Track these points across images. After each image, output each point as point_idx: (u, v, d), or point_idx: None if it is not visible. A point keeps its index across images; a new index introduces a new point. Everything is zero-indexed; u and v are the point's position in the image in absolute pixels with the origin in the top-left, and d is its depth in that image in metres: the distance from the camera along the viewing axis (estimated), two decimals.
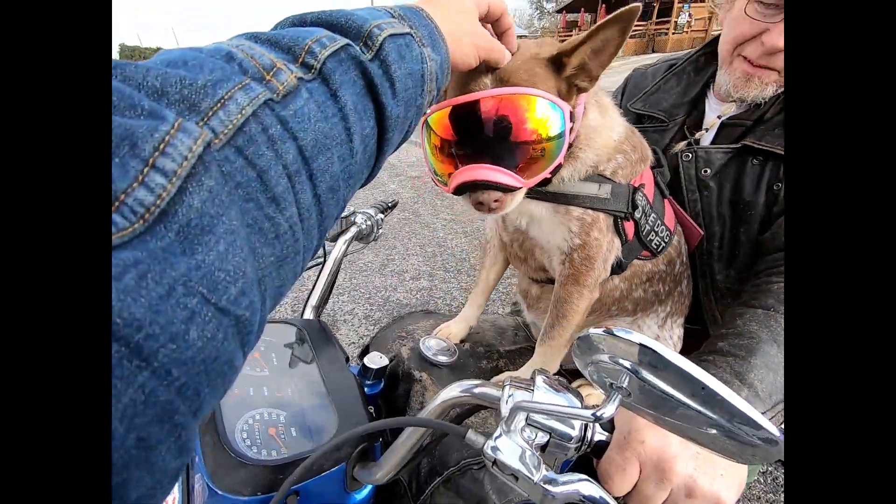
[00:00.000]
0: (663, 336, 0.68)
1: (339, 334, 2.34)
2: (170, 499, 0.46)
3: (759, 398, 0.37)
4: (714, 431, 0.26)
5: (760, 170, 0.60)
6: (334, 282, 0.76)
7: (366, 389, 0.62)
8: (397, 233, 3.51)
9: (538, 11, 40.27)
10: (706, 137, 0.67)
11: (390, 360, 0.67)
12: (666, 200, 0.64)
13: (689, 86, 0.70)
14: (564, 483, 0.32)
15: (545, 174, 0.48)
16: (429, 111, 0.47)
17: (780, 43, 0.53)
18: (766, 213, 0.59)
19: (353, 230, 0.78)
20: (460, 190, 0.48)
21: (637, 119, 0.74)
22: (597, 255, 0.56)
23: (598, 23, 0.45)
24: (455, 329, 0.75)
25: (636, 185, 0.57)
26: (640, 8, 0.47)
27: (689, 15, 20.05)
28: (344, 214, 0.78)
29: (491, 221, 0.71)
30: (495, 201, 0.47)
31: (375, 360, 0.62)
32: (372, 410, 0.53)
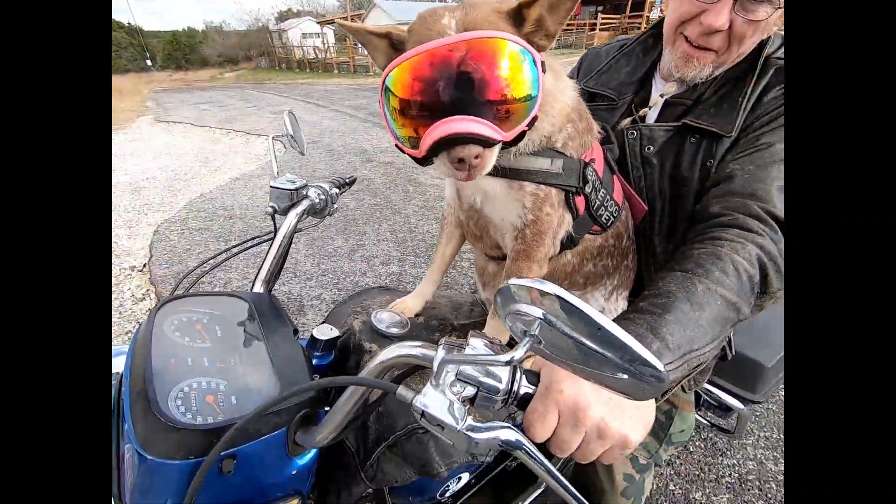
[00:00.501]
0: (609, 308, 0.71)
1: (306, 319, 2.30)
2: None
3: (668, 349, 0.40)
4: (619, 375, 0.28)
5: (696, 147, 0.63)
6: (286, 255, 0.75)
7: (315, 361, 0.62)
8: (368, 218, 3.46)
9: None
10: (650, 115, 0.69)
11: (343, 334, 0.67)
12: (615, 176, 0.67)
13: (637, 66, 0.73)
14: (486, 430, 0.34)
15: (523, 126, 0.44)
16: (387, 69, 0.43)
17: (717, 23, 0.55)
18: (699, 188, 0.62)
19: (306, 203, 0.76)
20: (436, 148, 0.42)
21: (590, 97, 0.75)
22: (547, 231, 0.57)
23: None
24: (410, 303, 0.75)
25: (587, 159, 0.58)
26: None
27: (661, 10, 20.52)
28: (296, 187, 0.76)
29: (448, 198, 0.71)
30: (476, 157, 0.42)
31: (325, 332, 0.62)
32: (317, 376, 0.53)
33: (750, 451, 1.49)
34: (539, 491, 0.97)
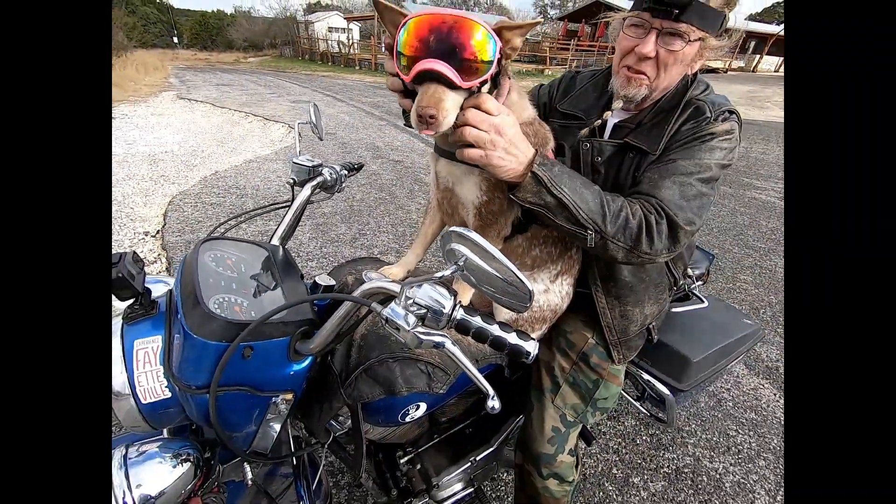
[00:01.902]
0: (553, 289, 0.88)
1: None
2: (153, 346, 0.61)
3: (553, 173, 0.62)
4: (506, 293, 0.45)
5: (632, 161, 0.80)
6: (299, 220, 0.92)
7: (318, 302, 0.79)
8: (372, 210, 3.64)
9: (542, 16, 40.62)
10: (606, 134, 0.87)
11: (338, 285, 0.84)
12: None
13: (601, 93, 0.90)
14: (427, 335, 0.50)
15: (477, 82, 0.58)
16: (402, 22, 0.56)
17: (645, 49, 0.72)
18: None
19: (319, 179, 0.94)
20: (420, 77, 0.56)
21: (563, 116, 0.92)
22: (499, 212, 0.74)
23: (522, 22, 0.61)
24: (395, 270, 0.92)
25: None
26: (542, 21, 0.66)
27: None
28: (312, 165, 0.93)
29: (431, 183, 0.87)
30: (431, 118, 0.55)
31: (324, 280, 0.79)
32: (317, 309, 0.70)
33: (690, 449, 1.65)
34: (491, 449, 1.14)
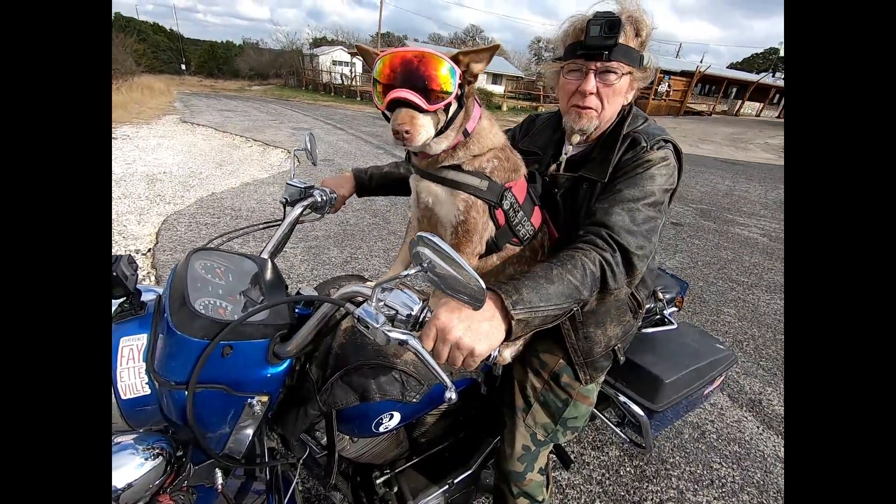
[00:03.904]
0: None
1: None
2: (138, 344, 0.64)
3: (521, 301, 0.60)
4: (465, 292, 0.49)
5: (585, 191, 0.87)
6: (289, 237, 0.97)
7: (297, 311, 0.82)
8: (366, 235, 3.70)
9: (536, 57, 42.98)
10: (561, 168, 0.94)
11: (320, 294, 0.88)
12: (536, 207, 0.90)
13: (554, 132, 1.00)
14: (394, 333, 0.54)
15: (440, 105, 0.67)
16: (377, 59, 0.66)
17: (588, 86, 0.82)
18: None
19: (310, 200, 1.00)
20: (392, 105, 0.65)
21: (524, 153, 1.01)
22: (474, 231, 0.79)
23: (479, 47, 0.70)
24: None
25: (508, 186, 0.82)
26: (500, 45, 0.77)
27: (669, 85, 22.08)
28: (305, 186, 1.00)
29: (412, 202, 0.93)
30: (406, 132, 0.65)
31: (307, 291, 0.83)
32: (297, 316, 0.73)
33: (674, 482, 1.63)
34: (469, 472, 1.14)
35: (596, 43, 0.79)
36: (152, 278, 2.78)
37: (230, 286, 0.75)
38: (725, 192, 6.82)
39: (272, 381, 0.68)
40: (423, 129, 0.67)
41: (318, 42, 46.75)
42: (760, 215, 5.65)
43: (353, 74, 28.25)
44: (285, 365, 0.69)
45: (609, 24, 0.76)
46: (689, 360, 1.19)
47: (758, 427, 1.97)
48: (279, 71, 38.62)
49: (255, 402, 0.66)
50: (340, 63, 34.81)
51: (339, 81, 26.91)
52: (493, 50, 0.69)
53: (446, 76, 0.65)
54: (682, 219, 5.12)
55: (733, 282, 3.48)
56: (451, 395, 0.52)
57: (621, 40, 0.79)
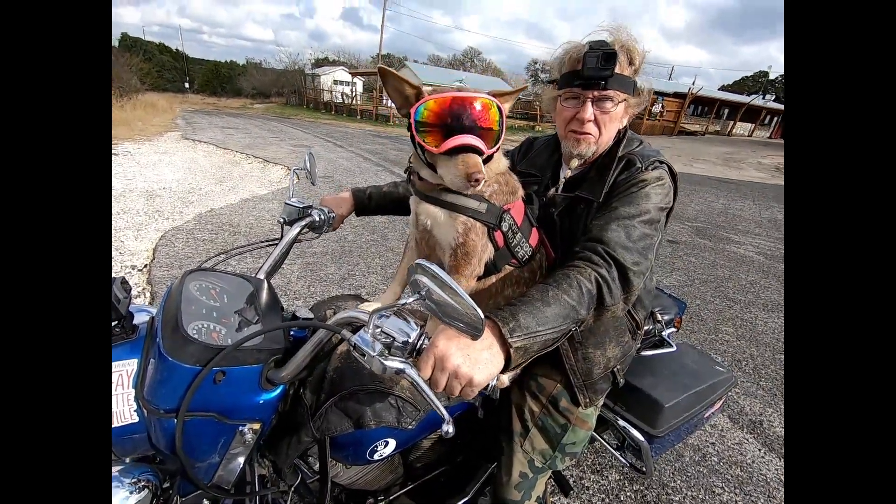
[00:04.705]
0: None
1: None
2: (128, 369, 0.62)
3: (519, 327, 0.59)
4: (463, 320, 0.49)
5: (582, 211, 0.89)
6: (285, 257, 0.97)
7: (293, 333, 0.81)
8: (364, 252, 3.70)
9: (533, 78, 44.11)
10: (560, 188, 0.96)
11: (317, 317, 0.87)
12: (534, 228, 0.91)
13: (552, 154, 1.02)
14: (391, 361, 0.54)
15: (496, 148, 0.71)
16: (425, 99, 0.66)
17: (586, 115, 0.85)
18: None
19: (308, 220, 1.00)
20: (454, 151, 0.66)
21: (522, 175, 1.02)
22: (473, 253, 0.79)
23: (512, 90, 0.73)
24: (374, 307, 0.95)
25: (507, 209, 0.82)
26: (527, 87, 0.79)
27: (662, 106, 22.62)
28: (303, 206, 1.00)
29: (411, 223, 0.94)
30: (478, 179, 0.65)
31: (303, 312, 0.82)
32: (292, 339, 0.73)
33: None
34: (465, 499, 1.10)
35: (593, 74, 0.82)
36: (147, 295, 2.75)
37: (225, 308, 0.75)
38: (720, 211, 6.89)
39: (265, 408, 0.67)
40: (484, 170, 0.68)
41: (320, 62, 47.82)
42: (755, 233, 5.70)
43: (354, 93, 28.79)
44: (279, 391, 0.68)
45: (605, 55, 0.80)
46: (689, 383, 1.18)
47: (759, 450, 1.94)
48: (281, 90, 39.33)
49: (246, 429, 0.65)
50: (341, 83, 35.54)
51: (340, 100, 27.39)
52: (521, 90, 0.76)
53: (498, 118, 0.68)
54: (679, 237, 5.15)
55: (730, 300, 3.48)
56: (448, 428, 0.51)
57: (616, 70, 0.82)
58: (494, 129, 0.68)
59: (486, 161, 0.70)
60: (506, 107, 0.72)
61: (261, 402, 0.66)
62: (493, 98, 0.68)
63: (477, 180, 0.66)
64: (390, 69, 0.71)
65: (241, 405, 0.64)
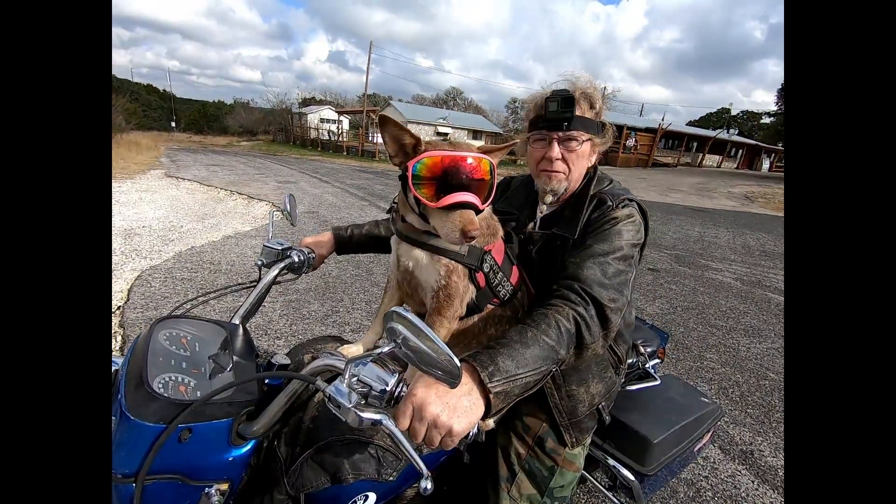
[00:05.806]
0: None
1: None
2: None
3: (498, 371, 0.58)
4: (439, 368, 0.48)
5: (558, 248, 0.91)
6: (262, 300, 0.95)
7: (267, 382, 0.78)
8: (348, 288, 3.65)
9: (513, 115, 46.26)
10: (537, 224, 0.99)
11: (294, 364, 0.84)
12: (515, 266, 0.92)
13: (528, 193, 1.07)
14: (367, 412, 0.52)
15: (488, 203, 0.74)
16: (426, 153, 0.69)
17: (553, 153, 0.92)
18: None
19: (287, 261, 0.99)
20: (452, 207, 0.68)
21: (499, 213, 1.05)
22: (455, 295, 0.79)
23: (503, 145, 0.78)
24: (354, 349, 0.93)
25: (488, 249, 0.83)
26: (517, 142, 0.93)
27: (636, 140, 23.87)
28: (282, 248, 0.99)
29: (392, 264, 0.94)
30: (476, 229, 0.67)
31: (280, 359, 0.80)
32: (266, 388, 0.70)
33: None
34: None
35: (555, 116, 0.90)
36: (119, 338, 2.62)
37: (196, 357, 0.72)
38: (696, 238, 7.12)
39: (234, 466, 0.63)
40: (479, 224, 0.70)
41: (307, 101, 49.14)
42: (731, 260, 5.88)
43: (340, 131, 29.47)
44: (250, 446, 0.65)
45: (564, 100, 0.88)
46: (676, 418, 1.17)
47: (753, 482, 1.90)
48: (268, 128, 39.96)
49: (213, 491, 0.61)
50: (328, 120, 36.42)
51: (327, 137, 27.95)
52: (512, 146, 0.86)
53: (490, 173, 0.72)
54: (659, 265, 5.27)
55: (713, 326, 3.53)
56: (427, 484, 0.49)
57: (577, 113, 0.89)
58: (489, 187, 0.72)
59: (477, 213, 0.72)
60: (496, 160, 0.76)
61: (230, 459, 0.62)
62: (488, 158, 0.72)
63: (472, 237, 0.68)
64: (390, 117, 0.73)
65: (209, 464, 0.61)
